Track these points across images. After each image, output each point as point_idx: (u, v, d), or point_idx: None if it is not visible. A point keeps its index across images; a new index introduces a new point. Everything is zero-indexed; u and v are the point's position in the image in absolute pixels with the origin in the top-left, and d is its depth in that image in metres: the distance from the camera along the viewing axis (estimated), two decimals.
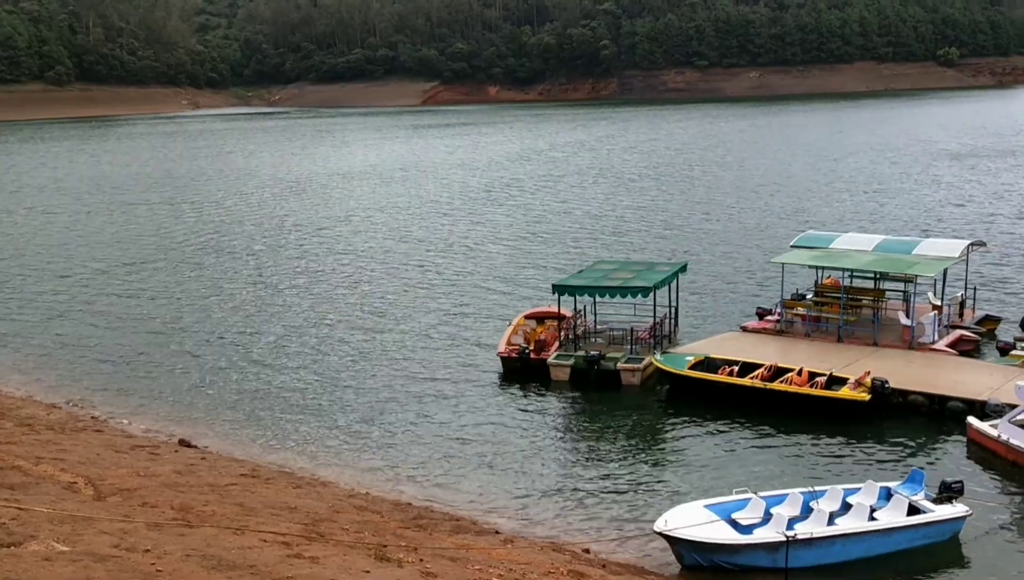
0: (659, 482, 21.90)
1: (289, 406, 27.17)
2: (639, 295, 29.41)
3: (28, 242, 54.08)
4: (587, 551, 18.44)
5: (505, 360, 29.53)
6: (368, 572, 13.69)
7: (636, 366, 28.15)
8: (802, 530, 17.72)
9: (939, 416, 24.62)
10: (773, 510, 18.58)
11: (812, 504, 18.86)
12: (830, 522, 18.36)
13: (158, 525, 14.59)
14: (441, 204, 64.31)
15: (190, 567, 12.24)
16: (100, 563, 11.42)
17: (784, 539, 17.37)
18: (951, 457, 22.68)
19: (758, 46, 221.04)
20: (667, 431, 25.23)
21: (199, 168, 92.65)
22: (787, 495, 19.16)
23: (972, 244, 32.31)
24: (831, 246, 32.30)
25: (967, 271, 32.68)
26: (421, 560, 15.19)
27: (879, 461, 22.47)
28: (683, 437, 24.63)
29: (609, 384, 28.11)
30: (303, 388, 28.58)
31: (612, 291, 29.61)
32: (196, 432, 25.01)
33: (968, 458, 22.53)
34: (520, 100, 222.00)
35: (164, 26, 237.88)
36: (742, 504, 18.85)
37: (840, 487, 19.52)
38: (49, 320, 36.92)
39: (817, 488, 19.47)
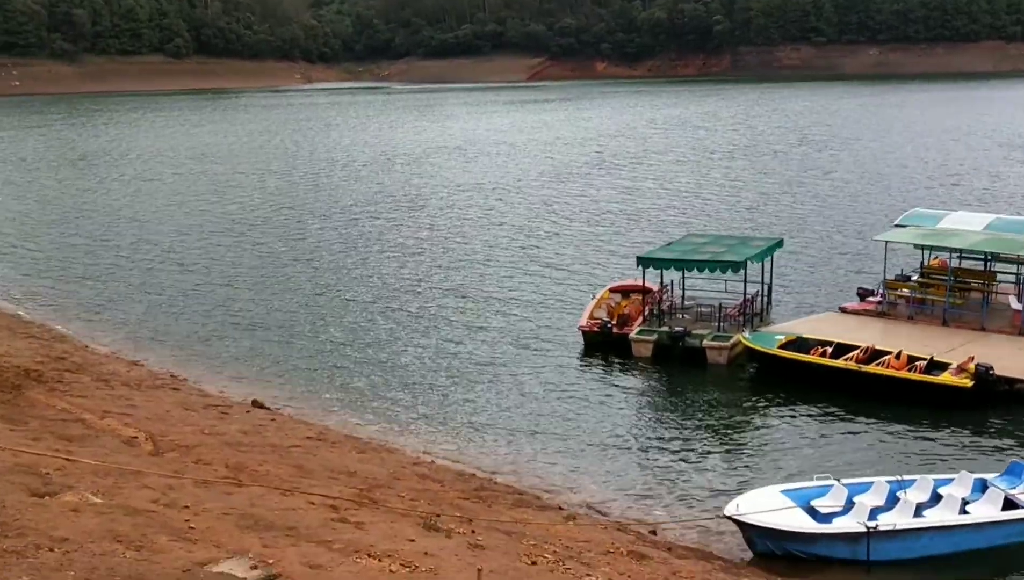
0: (739, 465, 20.85)
1: (366, 374, 26.93)
2: (729, 270, 28.13)
3: (123, 207, 55.32)
4: (654, 532, 17.60)
5: (586, 334, 28.71)
6: (413, 541, 13.18)
7: (723, 344, 26.99)
8: (885, 521, 16.51)
9: None
10: (856, 498, 17.37)
11: (899, 494, 17.57)
12: (917, 514, 17.06)
13: (207, 483, 14.35)
14: (530, 178, 63.43)
15: (224, 525, 11.90)
16: (130, 516, 11.15)
17: (865, 530, 16.19)
18: None
19: (879, 23, 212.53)
20: (752, 413, 24.11)
21: (300, 140, 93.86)
22: (872, 483, 17.92)
23: None
24: (939, 225, 30.40)
25: None
26: (473, 532, 14.64)
27: (978, 452, 20.95)
28: (769, 420, 23.48)
29: (694, 362, 27.04)
30: (382, 357, 28.30)
31: (701, 265, 28.42)
32: (271, 394, 24.95)
33: None
34: (628, 76, 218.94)
35: (280, 1, 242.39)
36: (823, 491, 17.70)
37: (931, 477, 18.17)
38: (140, 282, 37.59)
39: (906, 477, 18.16)
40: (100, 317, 32.88)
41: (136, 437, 17.10)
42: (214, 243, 44.70)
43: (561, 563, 14.02)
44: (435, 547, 13.02)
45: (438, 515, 15.08)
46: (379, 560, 11.87)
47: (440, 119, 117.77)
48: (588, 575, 13.73)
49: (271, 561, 10.68)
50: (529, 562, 13.70)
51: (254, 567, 9.95)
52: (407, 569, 11.75)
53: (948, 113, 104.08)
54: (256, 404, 23.42)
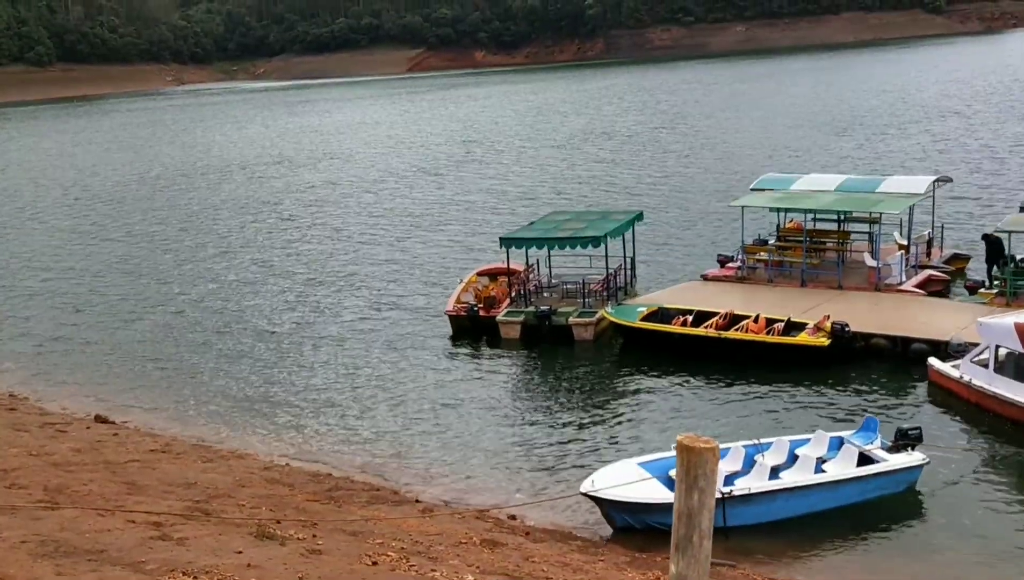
0: (606, 441, 20.52)
1: (222, 379, 25.73)
2: (590, 245, 27.90)
3: None
4: (513, 518, 17.06)
5: (453, 319, 28.12)
6: (240, 552, 12.28)
7: (588, 320, 26.74)
8: (740, 486, 16.35)
9: (903, 359, 23.18)
10: None
11: (756, 457, 17.47)
12: (773, 476, 16.97)
13: (14, 509, 13.18)
14: (396, 173, 62.11)
15: (16, 556, 10.82)
16: None
17: (720, 496, 15.97)
18: (913, 402, 21.29)
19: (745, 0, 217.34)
20: (617, 387, 23.84)
21: (154, 147, 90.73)
22: (729, 449, 17.74)
23: (938, 180, 30.65)
24: (792, 188, 30.71)
25: (934, 208, 31.04)
26: (314, 536, 13.80)
27: (836, 409, 21.07)
28: (634, 393, 23.24)
29: (562, 340, 26.71)
30: (239, 365, 26.97)
31: (562, 242, 28.13)
32: (118, 407, 23.61)
33: (930, 402, 21.14)
34: (507, 64, 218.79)
35: (145, 2, 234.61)
36: None
37: (787, 438, 18.11)
38: None
39: (763, 440, 18.06)
40: None
41: None
42: (63, 258, 42.52)
43: (406, 560, 13.32)
44: (263, 557, 12.15)
45: (278, 522, 14.22)
46: (193, 578, 10.99)
47: (308, 114, 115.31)
48: (433, 570, 13.08)
49: None
50: (370, 563, 12.95)
51: None
52: None
53: (807, 86, 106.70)
54: (99, 419, 22.07)
